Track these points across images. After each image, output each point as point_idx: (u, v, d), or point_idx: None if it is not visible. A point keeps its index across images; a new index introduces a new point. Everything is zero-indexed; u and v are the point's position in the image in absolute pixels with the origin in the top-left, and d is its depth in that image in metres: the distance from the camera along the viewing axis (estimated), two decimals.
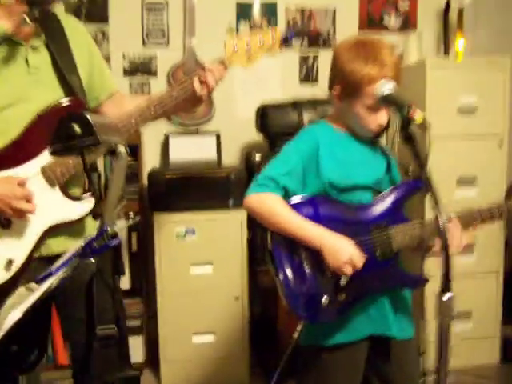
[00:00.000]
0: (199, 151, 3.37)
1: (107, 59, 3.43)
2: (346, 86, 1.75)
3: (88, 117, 0.96)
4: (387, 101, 1.63)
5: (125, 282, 3.22)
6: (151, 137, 3.44)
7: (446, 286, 1.29)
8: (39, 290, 1.03)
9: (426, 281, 1.76)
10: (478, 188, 3.21)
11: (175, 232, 3.04)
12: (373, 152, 1.88)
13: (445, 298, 1.28)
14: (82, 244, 1.06)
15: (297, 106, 3.16)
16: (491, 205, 1.79)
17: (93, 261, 1.07)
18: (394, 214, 1.77)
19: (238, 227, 3.08)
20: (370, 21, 3.68)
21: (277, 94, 3.48)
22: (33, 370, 1.33)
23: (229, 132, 3.51)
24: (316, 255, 1.72)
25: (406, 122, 1.51)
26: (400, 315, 1.83)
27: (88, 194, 1.84)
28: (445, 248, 1.29)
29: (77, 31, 1.92)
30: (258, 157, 3.16)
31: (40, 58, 1.80)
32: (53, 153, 1.04)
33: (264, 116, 3.19)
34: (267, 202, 1.76)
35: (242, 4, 3.54)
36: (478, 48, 3.69)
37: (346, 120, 1.83)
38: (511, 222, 1.85)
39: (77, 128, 0.94)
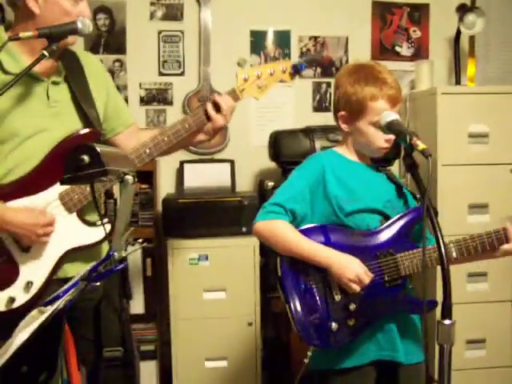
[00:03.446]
0: (213, 178, 3.43)
1: (124, 88, 3.53)
2: (351, 107, 1.83)
3: (97, 148, 1.01)
4: (391, 129, 1.67)
5: (139, 307, 3.25)
6: (167, 164, 3.50)
7: (446, 312, 1.30)
8: (46, 312, 1.07)
9: (435, 306, 1.77)
10: (490, 214, 3.20)
11: (188, 258, 3.07)
12: (380, 177, 1.92)
13: (445, 323, 1.29)
14: (88, 268, 1.11)
15: (308, 133, 3.19)
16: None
17: (97, 284, 1.11)
18: (401, 240, 1.80)
19: (251, 253, 3.11)
20: (383, 49, 3.73)
21: (290, 123, 3.54)
22: None
23: (243, 160, 3.56)
24: (325, 280, 1.77)
25: (409, 150, 1.54)
26: (408, 340, 1.85)
27: (104, 220, 1.91)
28: (443, 274, 1.31)
29: (95, 69, 2.04)
30: (270, 184, 3.19)
31: (60, 92, 1.90)
32: (62, 183, 1.09)
33: (276, 143, 3.22)
34: (276, 226, 1.81)
35: (256, 32, 3.61)
36: (489, 76, 3.72)
37: (354, 143, 1.89)
38: None
39: (86, 158, 1.00)
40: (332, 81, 3.65)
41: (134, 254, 3.21)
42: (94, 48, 3.49)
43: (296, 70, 2.06)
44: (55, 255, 1.85)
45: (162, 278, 3.24)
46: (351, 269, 1.72)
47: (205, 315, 3.10)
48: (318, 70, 3.70)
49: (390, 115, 1.69)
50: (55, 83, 1.89)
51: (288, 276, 1.81)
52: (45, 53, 1.72)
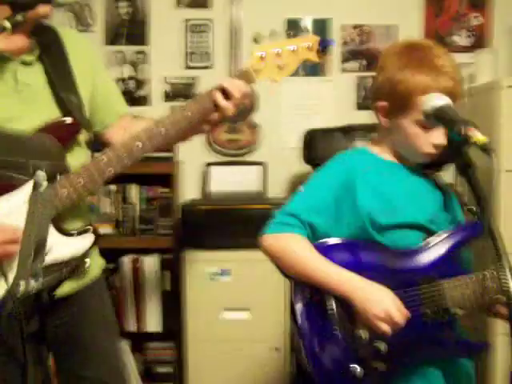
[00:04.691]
0: (243, 182, 3.12)
1: (147, 83, 3.23)
2: (395, 98, 1.45)
3: None
4: (437, 117, 1.27)
5: (156, 325, 2.93)
6: (191, 166, 3.19)
7: None
8: None
9: (487, 347, 1.40)
10: None
11: (208, 272, 2.75)
12: (426, 184, 1.53)
13: None
14: None
15: (348, 132, 2.78)
16: None
17: None
18: (449, 264, 1.41)
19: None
20: (438, 38, 3.29)
21: (330, 121, 3.13)
22: None
23: (276, 161, 3.24)
24: (348, 309, 1.39)
25: (462, 144, 1.14)
26: None
27: (89, 228, 1.57)
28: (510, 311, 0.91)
29: (80, 49, 1.69)
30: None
31: (31, 74, 1.55)
32: None
33: (311, 143, 2.84)
34: (287, 243, 1.47)
35: (293, 20, 3.24)
36: None
37: (393, 142, 1.51)
38: None
39: None
40: None
41: (151, 266, 2.89)
42: (115, 38, 3.23)
43: (324, 48, 1.67)
44: None
45: (181, 294, 2.91)
46: (380, 303, 1.34)
47: (225, 337, 2.78)
48: (364, 62, 3.29)
49: (437, 98, 1.29)
50: (26, 63, 1.54)
51: (302, 302, 1.45)
52: (5, 24, 1.39)
